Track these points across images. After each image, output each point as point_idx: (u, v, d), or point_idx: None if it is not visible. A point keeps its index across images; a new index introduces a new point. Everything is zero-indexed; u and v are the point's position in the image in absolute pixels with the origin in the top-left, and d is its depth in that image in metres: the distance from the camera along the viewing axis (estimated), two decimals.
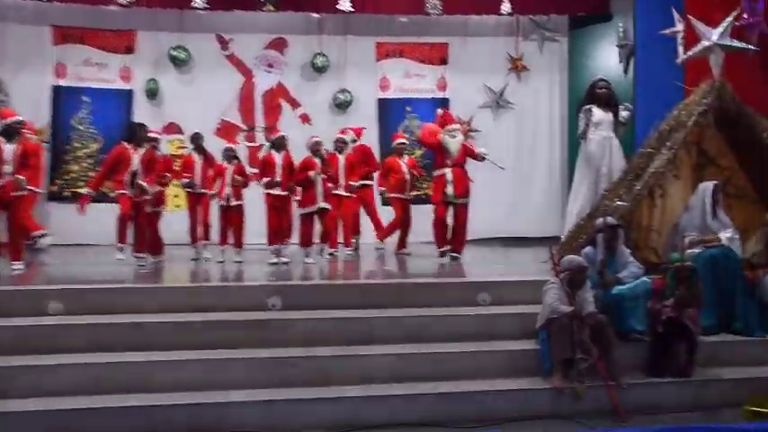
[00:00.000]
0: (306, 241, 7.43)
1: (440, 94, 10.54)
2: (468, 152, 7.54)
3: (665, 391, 4.81)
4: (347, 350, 4.91)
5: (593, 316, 4.81)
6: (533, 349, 4.97)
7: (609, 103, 7.08)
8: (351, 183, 8.18)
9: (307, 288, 5.71)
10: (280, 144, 7.53)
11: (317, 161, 7.44)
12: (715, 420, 4.52)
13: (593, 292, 4.97)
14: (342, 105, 10.26)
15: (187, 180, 7.80)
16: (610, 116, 7.03)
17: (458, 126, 7.64)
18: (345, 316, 5.23)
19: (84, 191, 7.15)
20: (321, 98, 10.29)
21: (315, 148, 7.51)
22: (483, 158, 7.56)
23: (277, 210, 7.31)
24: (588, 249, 5.34)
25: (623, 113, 7.04)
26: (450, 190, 7.28)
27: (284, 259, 7.26)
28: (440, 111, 7.72)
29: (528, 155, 10.56)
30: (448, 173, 7.31)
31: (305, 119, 10.30)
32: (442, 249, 7.46)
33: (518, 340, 5.15)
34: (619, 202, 5.90)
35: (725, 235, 5.59)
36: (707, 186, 5.78)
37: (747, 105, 6.14)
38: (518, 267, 7.01)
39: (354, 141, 8.91)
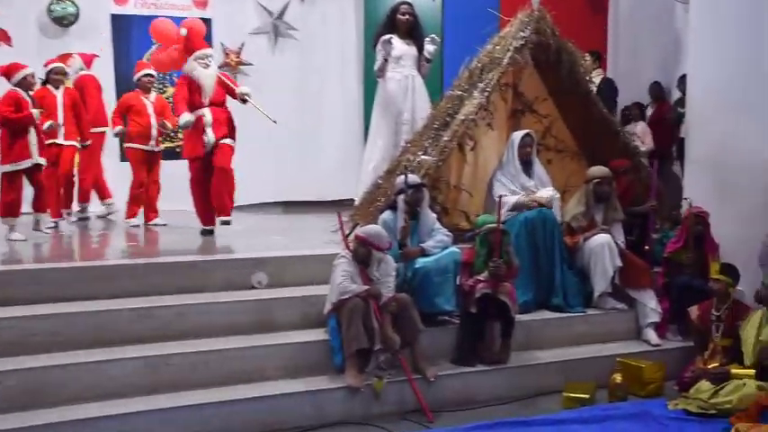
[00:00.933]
0: (9, 211, 6.82)
1: (198, 13, 10.12)
2: (227, 88, 7.13)
3: (478, 382, 5.15)
4: (72, 357, 4.64)
5: (394, 297, 4.97)
6: (322, 340, 5.04)
7: (412, 33, 7.27)
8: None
9: (8, 275, 5.22)
10: None
11: (29, 100, 6.88)
12: (533, 411, 4.94)
13: (394, 265, 5.13)
14: (61, 21, 9.47)
15: None
16: (413, 50, 7.22)
17: (210, 52, 7.15)
18: (69, 310, 4.93)
19: None
20: (26, 8, 9.39)
21: (27, 83, 6.90)
22: (245, 100, 7.14)
23: None
24: (387, 215, 5.48)
25: (429, 47, 7.26)
26: (209, 135, 6.83)
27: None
28: (184, 30, 7.12)
29: (316, 96, 10.56)
30: (206, 113, 6.90)
31: (2, 37, 9.34)
32: (207, 227, 7.09)
33: (303, 330, 5.21)
34: (423, 157, 6.09)
35: (546, 194, 6.07)
36: (516, 136, 6.20)
37: (569, 41, 6.67)
38: (303, 239, 7.02)
39: (82, 71, 8.43)
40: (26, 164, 6.80)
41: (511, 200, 5.91)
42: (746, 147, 6.19)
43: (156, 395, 4.57)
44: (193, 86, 6.92)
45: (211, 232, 7.09)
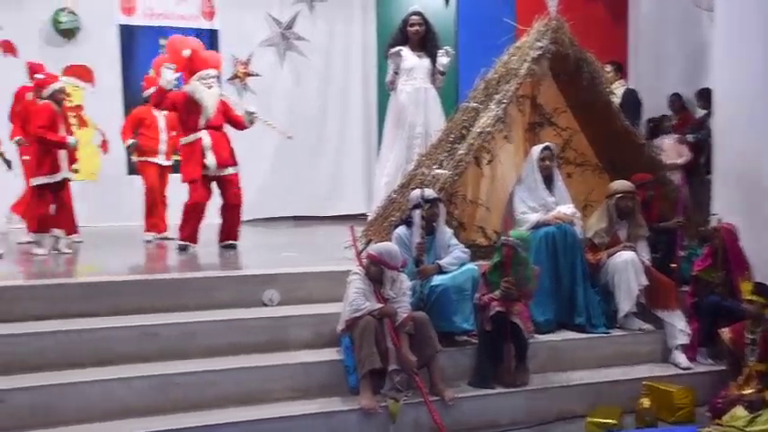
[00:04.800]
0: (42, 225, 6.81)
1: (206, 25, 10.21)
2: (229, 115, 7.21)
3: (498, 405, 5.04)
4: (77, 375, 4.61)
5: (410, 316, 4.88)
6: (335, 360, 4.97)
7: (424, 44, 7.25)
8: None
9: (15, 291, 5.19)
10: None
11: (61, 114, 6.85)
12: None
13: (409, 283, 5.05)
14: (67, 33, 9.49)
15: None
16: (425, 62, 7.20)
17: (215, 73, 7.16)
18: (74, 327, 4.89)
19: None
20: (31, 20, 9.44)
21: (58, 97, 6.87)
22: (250, 122, 7.22)
23: None
24: (401, 230, 5.42)
25: (442, 59, 7.23)
26: (210, 159, 6.90)
27: None
28: (187, 51, 7.16)
29: (326, 110, 10.60)
30: (204, 137, 6.93)
31: (8, 48, 9.38)
32: (184, 242, 7.05)
33: (316, 349, 5.14)
34: (438, 170, 6.04)
35: (567, 211, 5.98)
36: (535, 149, 6.10)
37: (588, 51, 6.61)
38: (315, 255, 6.97)
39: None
40: (57, 177, 6.86)
41: (531, 218, 5.84)
42: None
43: (162, 416, 4.51)
44: (191, 108, 6.92)
45: (185, 248, 7.05)
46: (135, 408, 4.52)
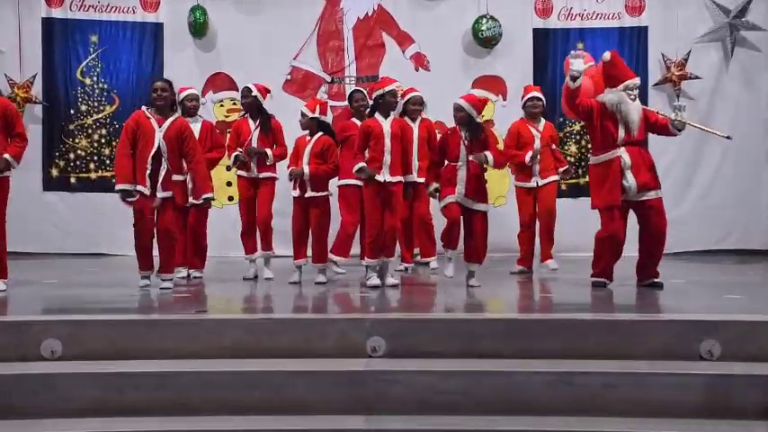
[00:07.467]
0: (449, 243, 7.12)
1: (631, 22, 10.22)
2: (652, 122, 7.07)
3: None
4: (485, 422, 4.77)
5: None
6: None
7: None
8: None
9: (426, 324, 5.61)
10: (385, 103, 7.14)
11: (464, 133, 7.07)
12: None
13: None
14: (488, 41, 10.07)
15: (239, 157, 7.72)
16: None
17: (638, 81, 7.10)
18: (483, 369, 5.12)
19: (121, 187, 6.83)
20: (444, 31, 10.21)
21: (460, 117, 7.07)
22: (678, 129, 6.99)
23: (382, 204, 7.12)
24: None
25: None
26: (629, 180, 6.83)
27: (392, 281, 7.18)
28: (607, 54, 7.11)
29: None
30: (623, 155, 6.87)
31: (419, 62, 10.22)
32: (598, 278, 7.05)
33: None
34: None
35: None
36: None
37: None
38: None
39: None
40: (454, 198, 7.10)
41: None
42: None
43: None
44: (607, 119, 6.94)
45: (601, 285, 7.05)
46: None
